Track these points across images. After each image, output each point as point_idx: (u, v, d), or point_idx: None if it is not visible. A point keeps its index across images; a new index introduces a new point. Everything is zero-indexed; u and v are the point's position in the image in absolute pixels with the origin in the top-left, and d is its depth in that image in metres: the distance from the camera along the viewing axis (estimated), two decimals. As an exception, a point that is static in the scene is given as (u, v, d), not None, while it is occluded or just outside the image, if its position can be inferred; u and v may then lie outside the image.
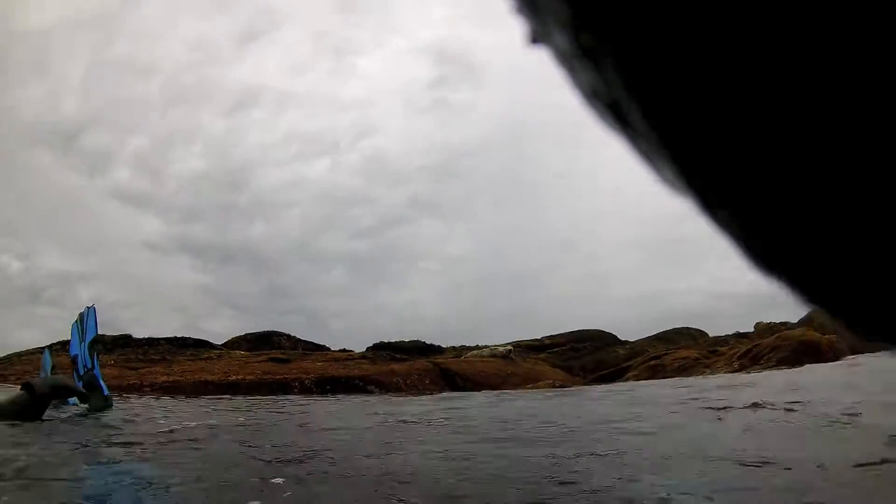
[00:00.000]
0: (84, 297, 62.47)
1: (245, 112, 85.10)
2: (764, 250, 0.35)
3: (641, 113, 0.33)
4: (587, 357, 32.86)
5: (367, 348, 28.42)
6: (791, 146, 0.30)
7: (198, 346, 25.46)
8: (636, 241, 79.28)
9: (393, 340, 29.71)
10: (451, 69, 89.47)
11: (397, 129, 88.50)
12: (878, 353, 23.36)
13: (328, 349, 28.69)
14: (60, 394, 7.64)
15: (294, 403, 12.69)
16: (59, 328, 55.23)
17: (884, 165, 0.28)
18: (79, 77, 71.60)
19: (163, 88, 78.80)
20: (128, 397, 13.59)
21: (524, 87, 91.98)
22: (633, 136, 0.35)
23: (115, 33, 76.72)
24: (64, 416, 7.63)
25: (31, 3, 64.36)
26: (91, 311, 9.63)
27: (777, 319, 34.24)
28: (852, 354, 24.62)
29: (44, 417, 6.93)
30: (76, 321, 9.71)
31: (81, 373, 8.99)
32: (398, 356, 25.04)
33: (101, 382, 8.82)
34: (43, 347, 24.44)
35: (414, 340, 30.27)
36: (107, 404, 8.51)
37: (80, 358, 9.19)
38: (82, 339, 9.45)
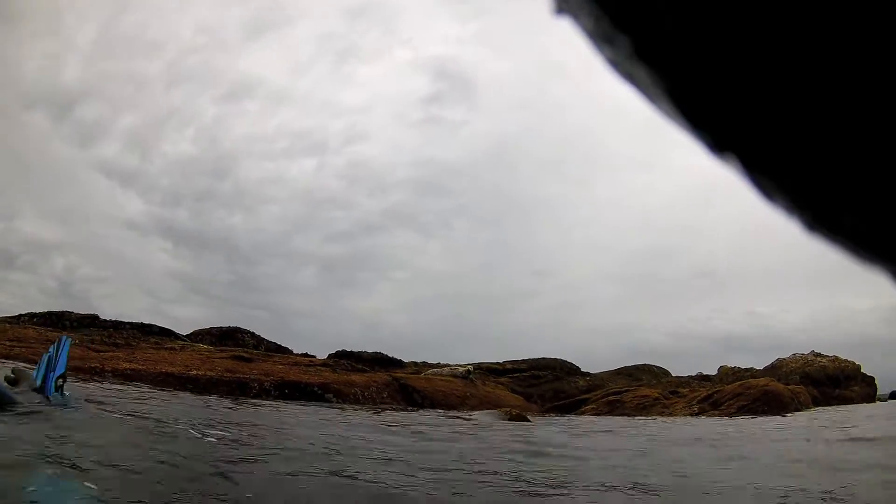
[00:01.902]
0: (58, 266, 62.08)
1: (240, 102, 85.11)
2: (777, 186, 0.38)
3: (653, 82, 0.37)
4: (546, 385, 33.23)
5: (329, 355, 28.74)
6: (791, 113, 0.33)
7: (163, 334, 25.68)
8: (612, 273, 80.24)
9: (355, 350, 30.03)
10: (448, 87, 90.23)
11: (386, 139, 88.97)
12: (836, 407, 24.01)
13: (291, 352, 29.00)
14: None
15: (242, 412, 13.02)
16: (32, 296, 54.78)
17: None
18: (86, 44, 71.35)
19: (165, 68, 78.74)
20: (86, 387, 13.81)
21: (515, 113, 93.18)
22: (643, 91, 0.39)
23: (128, 4, 76.62)
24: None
25: None
26: (65, 344, 9.77)
27: (742, 364, 35.17)
28: (814, 406, 25.24)
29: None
30: (50, 351, 9.88)
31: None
32: (359, 366, 25.35)
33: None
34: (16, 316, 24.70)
35: (375, 352, 30.61)
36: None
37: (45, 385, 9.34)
38: (52, 370, 9.50)
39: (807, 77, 0.33)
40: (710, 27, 0.34)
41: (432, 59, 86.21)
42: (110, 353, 18.76)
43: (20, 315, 25.08)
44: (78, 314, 25.62)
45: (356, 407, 18.42)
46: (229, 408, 13.13)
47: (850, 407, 25.53)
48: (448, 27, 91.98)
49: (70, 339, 10.09)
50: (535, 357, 36.12)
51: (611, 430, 15.52)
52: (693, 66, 0.36)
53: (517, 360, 35.56)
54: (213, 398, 14.88)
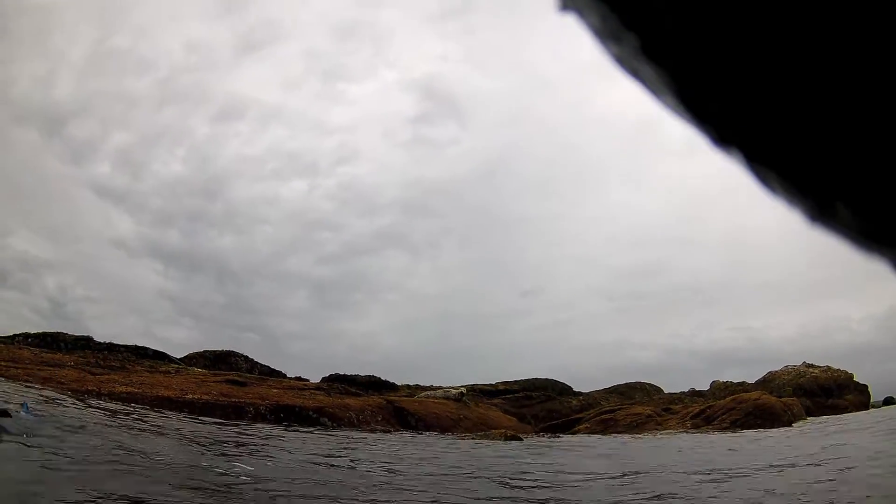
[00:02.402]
0: (50, 286, 61.84)
1: (231, 122, 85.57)
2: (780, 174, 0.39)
3: (659, 79, 0.39)
4: (539, 406, 33.32)
5: (323, 379, 28.80)
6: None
7: (157, 357, 25.65)
8: (601, 290, 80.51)
9: (349, 373, 30.12)
10: (435, 106, 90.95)
11: (376, 159, 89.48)
12: (827, 418, 24.03)
13: (284, 375, 29.06)
14: None
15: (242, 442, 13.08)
16: (25, 315, 54.45)
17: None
18: (78, 61, 71.53)
19: (156, 86, 79.01)
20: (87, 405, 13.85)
21: (503, 131, 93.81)
22: (648, 87, 0.41)
23: (118, 23, 76.90)
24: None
25: None
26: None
27: (734, 379, 35.30)
28: (806, 418, 25.22)
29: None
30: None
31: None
32: (353, 390, 25.39)
33: None
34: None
35: (369, 375, 30.68)
36: None
37: None
38: None
39: (807, 73, 0.34)
40: (713, 25, 0.35)
41: (419, 78, 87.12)
42: (106, 376, 18.76)
43: (14, 335, 25.01)
44: (72, 336, 25.57)
45: (354, 430, 18.48)
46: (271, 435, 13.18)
47: (842, 416, 25.55)
48: (434, 46, 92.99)
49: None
50: (528, 378, 36.44)
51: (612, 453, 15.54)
52: (697, 63, 0.37)
53: (510, 381, 35.81)
54: (238, 425, 14.97)
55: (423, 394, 28.45)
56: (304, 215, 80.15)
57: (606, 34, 0.40)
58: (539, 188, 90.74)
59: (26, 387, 14.23)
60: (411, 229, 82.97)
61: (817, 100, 0.35)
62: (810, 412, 27.23)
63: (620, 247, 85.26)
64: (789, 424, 22.76)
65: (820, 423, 22.64)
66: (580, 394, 36.36)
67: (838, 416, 26.13)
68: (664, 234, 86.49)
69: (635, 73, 0.40)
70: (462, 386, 31.27)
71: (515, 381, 35.91)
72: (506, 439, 19.51)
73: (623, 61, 0.40)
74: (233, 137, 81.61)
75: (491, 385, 35.09)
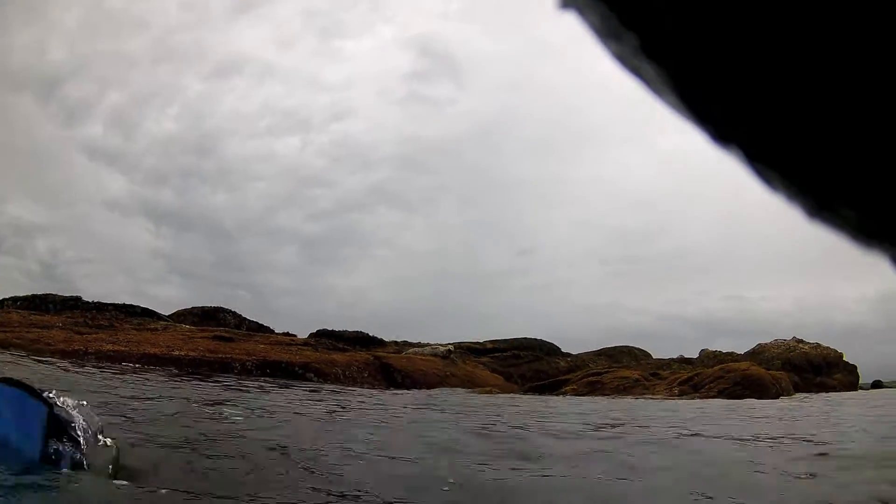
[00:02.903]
0: (42, 249, 61.73)
1: (225, 79, 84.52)
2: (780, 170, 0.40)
3: (659, 77, 0.40)
4: (526, 366, 33.45)
5: (310, 335, 28.98)
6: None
7: (145, 314, 25.79)
8: (596, 253, 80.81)
9: (336, 329, 30.24)
10: (433, 64, 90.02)
11: (370, 116, 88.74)
12: (815, 395, 24.45)
13: (272, 331, 29.24)
14: None
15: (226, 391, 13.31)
16: (17, 280, 54.43)
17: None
18: (71, 24, 70.35)
19: (150, 45, 77.92)
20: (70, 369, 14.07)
21: (502, 92, 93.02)
22: (649, 85, 0.41)
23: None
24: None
25: None
26: None
27: (724, 348, 35.38)
28: (793, 392, 25.51)
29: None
30: None
31: None
32: (340, 346, 25.63)
33: None
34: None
35: (357, 331, 30.83)
36: None
37: None
38: None
39: (806, 72, 0.35)
40: (713, 24, 0.36)
41: (417, 35, 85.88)
42: (94, 335, 19.01)
43: (3, 300, 25.13)
44: (61, 296, 25.70)
45: (339, 386, 18.79)
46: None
47: (830, 394, 25.97)
48: (434, 4, 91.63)
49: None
50: (517, 337, 36.35)
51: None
52: (697, 62, 0.38)
53: (498, 340, 35.79)
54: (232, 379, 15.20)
55: (410, 350, 28.64)
56: (296, 171, 79.68)
57: (606, 33, 0.41)
58: (538, 150, 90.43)
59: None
60: (406, 186, 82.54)
61: (816, 99, 0.36)
62: (798, 388, 27.37)
63: (618, 208, 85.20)
64: (777, 397, 22.85)
65: (807, 398, 22.98)
66: (569, 355, 36.35)
67: (826, 393, 26.64)
68: (663, 198, 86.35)
69: (636, 72, 0.41)
70: (450, 343, 31.46)
71: (504, 339, 35.86)
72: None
73: (623, 60, 0.42)
74: (227, 94, 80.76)
75: (479, 343, 35.16)
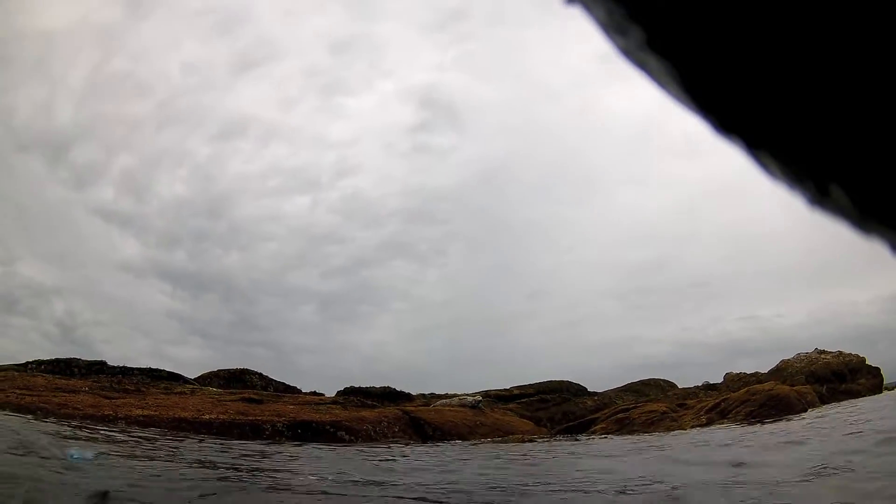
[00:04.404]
0: (59, 311, 62.02)
1: (232, 141, 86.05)
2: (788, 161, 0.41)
3: (664, 71, 0.40)
4: (554, 408, 33.15)
5: (338, 392, 28.76)
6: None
7: (171, 378, 25.60)
8: (609, 290, 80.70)
9: (363, 385, 30.09)
10: (434, 114, 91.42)
11: (377, 170, 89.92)
12: (841, 403, 24.13)
13: (299, 391, 28.99)
14: None
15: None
16: (35, 341, 54.59)
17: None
18: (77, 86, 72.11)
19: (156, 108, 79.56)
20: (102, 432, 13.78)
21: (503, 137, 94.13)
22: (654, 78, 0.42)
23: (117, 47, 77.62)
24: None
25: (38, 2, 64.87)
26: None
27: (747, 370, 35.09)
28: (820, 405, 25.18)
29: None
30: None
31: None
32: (368, 402, 25.35)
33: None
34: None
35: (384, 387, 30.64)
36: None
37: None
38: None
39: (806, 64, 0.35)
40: (717, 18, 0.36)
41: (416, 88, 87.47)
42: (122, 400, 18.71)
43: (27, 362, 24.92)
44: (85, 361, 25.51)
45: (373, 444, 18.41)
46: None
47: (856, 400, 25.64)
48: (431, 56, 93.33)
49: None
50: (542, 381, 36.33)
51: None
52: (701, 56, 0.38)
53: (524, 385, 35.75)
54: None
55: (438, 402, 28.32)
56: (308, 230, 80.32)
57: (612, 27, 0.41)
58: (543, 192, 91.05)
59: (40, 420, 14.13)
60: (416, 238, 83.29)
61: (816, 88, 0.36)
62: (824, 399, 27.03)
63: (627, 246, 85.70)
64: (804, 412, 22.53)
65: (832, 409, 22.73)
66: (595, 394, 36.15)
67: (852, 400, 26.27)
68: (668, 231, 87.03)
69: (641, 66, 0.42)
70: (477, 392, 31.21)
71: (530, 384, 35.77)
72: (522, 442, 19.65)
73: (629, 54, 0.42)
74: (234, 156, 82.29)
75: (506, 390, 35.01)
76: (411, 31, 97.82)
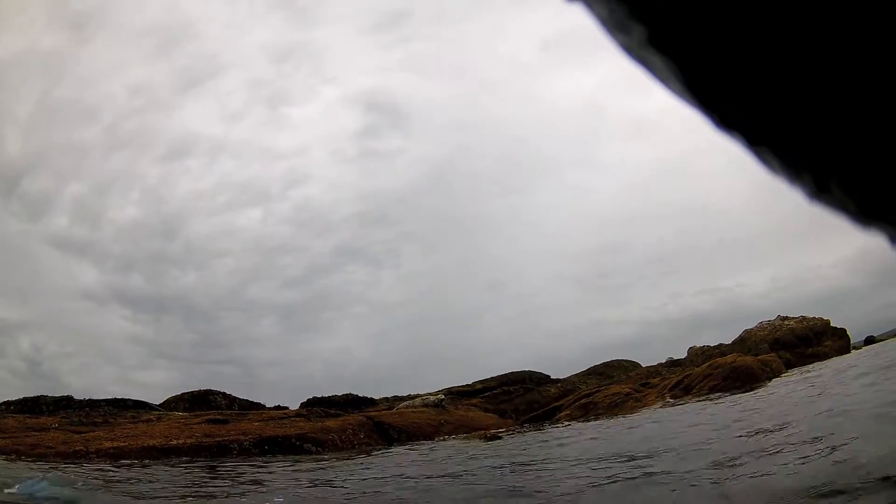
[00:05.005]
0: (24, 346, 61.19)
1: (180, 160, 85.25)
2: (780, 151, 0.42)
3: (666, 67, 0.41)
4: (518, 399, 33.61)
5: (301, 404, 29.34)
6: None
7: (138, 406, 26.07)
8: (566, 275, 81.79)
9: (326, 395, 30.66)
10: (379, 118, 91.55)
11: (326, 178, 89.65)
12: (807, 367, 24.74)
13: (263, 406, 29.53)
14: None
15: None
16: (4, 378, 53.79)
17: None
18: (24, 117, 70.77)
19: (104, 133, 78.54)
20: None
21: (450, 134, 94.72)
22: (656, 75, 0.43)
23: (62, 73, 76.34)
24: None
25: None
26: None
27: (712, 342, 36.01)
28: (786, 371, 25.80)
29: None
30: None
31: None
32: (332, 411, 25.91)
33: None
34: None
35: (346, 394, 31.24)
36: None
37: None
38: None
39: (806, 62, 0.37)
40: (719, 16, 0.37)
41: (360, 92, 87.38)
42: (91, 434, 19.26)
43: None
44: (53, 397, 25.93)
45: (337, 453, 19.16)
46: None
47: (823, 363, 26.41)
48: (372, 58, 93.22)
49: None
50: (504, 373, 36.73)
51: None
52: (703, 53, 0.39)
53: (487, 379, 36.10)
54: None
55: (402, 404, 28.94)
56: (262, 242, 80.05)
57: (614, 25, 0.42)
58: (493, 184, 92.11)
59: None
60: (370, 241, 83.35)
61: (816, 84, 0.37)
62: (791, 364, 27.82)
63: (581, 230, 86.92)
64: (769, 381, 23.20)
65: (798, 373, 23.69)
66: (558, 381, 36.71)
67: (820, 362, 27.03)
68: (620, 212, 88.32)
69: (643, 63, 0.43)
70: (439, 391, 31.81)
71: (492, 377, 36.18)
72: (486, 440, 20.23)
73: (631, 51, 0.43)
74: (183, 175, 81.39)
75: (468, 385, 35.45)
76: (352, 35, 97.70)
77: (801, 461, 7.51)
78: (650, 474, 8.61)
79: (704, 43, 0.39)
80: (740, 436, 10.61)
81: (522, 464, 12.18)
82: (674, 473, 8.31)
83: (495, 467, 11.95)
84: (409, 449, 19.45)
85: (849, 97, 0.37)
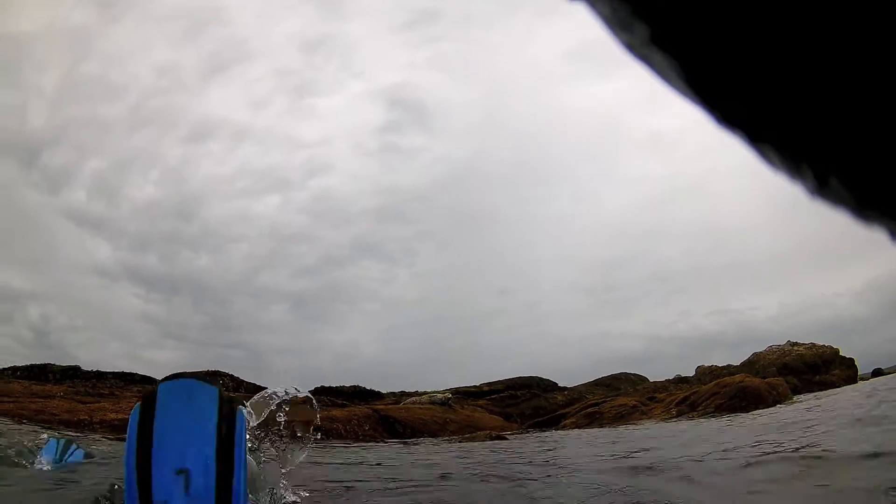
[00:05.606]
0: (34, 316, 61.37)
1: (202, 142, 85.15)
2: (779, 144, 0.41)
3: (668, 65, 0.41)
4: (524, 404, 33.31)
5: (309, 392, 29.03)
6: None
7: (144, 381, 25.90)
8: (577, 285, 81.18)
9: (334, 385, 30.45)
10: (404, 115, 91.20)
11: (347, 170, 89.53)
12: (813, 394, 24.37)
13: (271, 391, 29.26)
14: None
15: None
16: (10, 347, 54.10)
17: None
18: (49, 91, 70.92)
19: (128, 111, 78.58)
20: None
21: (471, 135, 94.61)
22: (658, 73, 0.43)
23: (89, 50, 76.61)
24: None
25: (7, 7, 63.90)
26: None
27: (720, 363, 35.04)
28: (792, 396, 25.14)
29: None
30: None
31: None
32: (339, 401, 25.73)
33: None
34: None
35: (354, 385, 31.03)
36: None
37: None
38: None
39: (807, 60, 0.37)
40: (721, 14, 0.38)
41: (386, 88, 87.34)
42: (97, 405, 19.14)
43: (2, 369, 25.28)
44: (60, 366, 25.85)
45: (341, 442, 18.91)
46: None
47: (829, 391, 25.86)
48: (400, 56, 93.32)
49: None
50: (512, 377, 36.52)
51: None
52: (706, 51, 0.39)
53: (494, 382, 35.90)
54: None
55: (408, 400, 28.72)
56: (278, 230, 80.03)
57: (616, 23, 0.42)
58: (511, 189, 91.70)
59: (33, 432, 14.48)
60: (386, 237, 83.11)
61: (818, 81, 0.38)
62: (798, 390, 27.29)
63: (594, 242, 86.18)
64: (774, 405, 22.67)
65: (803, 400, 22.90)
66: (565, 389, 36.39)
67: (826, 391, 26.49)
68: (634, 226, 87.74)
69: (645, 61, 0.43)
70: (447, 389, 31.53)
71: (500, 380, 35.91)
72: (491, 439, 20.03)
73: (633, 49, 0.43)
74: (205, 158, 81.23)
75: (476, 387, 35.24)
76: (381, 31, 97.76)
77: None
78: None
79: (706, 41, 0.39)
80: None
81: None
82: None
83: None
84: (413, 444, 19.14)
85: (848, 93, 0.37)
